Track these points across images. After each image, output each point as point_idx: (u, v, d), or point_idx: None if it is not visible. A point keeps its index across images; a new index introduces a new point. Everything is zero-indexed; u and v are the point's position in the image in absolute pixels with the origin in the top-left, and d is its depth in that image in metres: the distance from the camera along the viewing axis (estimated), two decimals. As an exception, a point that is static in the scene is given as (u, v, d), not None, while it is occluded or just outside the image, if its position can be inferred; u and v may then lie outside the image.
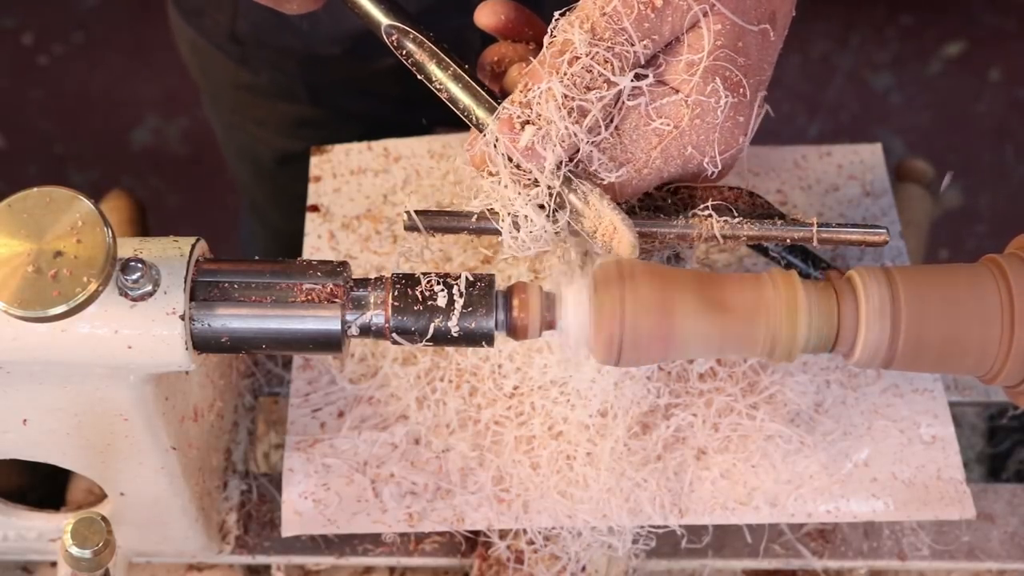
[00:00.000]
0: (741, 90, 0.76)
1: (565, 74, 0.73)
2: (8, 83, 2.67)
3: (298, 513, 0.90)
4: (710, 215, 0.79)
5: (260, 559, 0.95)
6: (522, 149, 0.74)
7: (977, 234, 2.52)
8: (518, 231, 0.77)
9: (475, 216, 0.80)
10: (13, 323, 0.68)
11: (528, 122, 0.74)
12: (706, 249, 0.98)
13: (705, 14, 0.74)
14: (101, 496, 0.90)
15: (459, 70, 0.80)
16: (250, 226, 1.67)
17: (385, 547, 0.93)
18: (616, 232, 0.75)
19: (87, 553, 0.74)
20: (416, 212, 0.80)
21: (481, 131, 0.78)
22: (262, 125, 1.38)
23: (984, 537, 0.95)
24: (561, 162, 0.75)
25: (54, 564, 0.97)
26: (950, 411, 0.93)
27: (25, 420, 0.78)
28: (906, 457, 0.91)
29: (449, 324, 0.72)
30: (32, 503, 0.93)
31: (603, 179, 0.76)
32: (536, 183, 0.76)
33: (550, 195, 0.76)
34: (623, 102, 0.75)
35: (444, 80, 0.80)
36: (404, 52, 0.81)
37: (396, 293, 0.73)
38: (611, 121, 0.75)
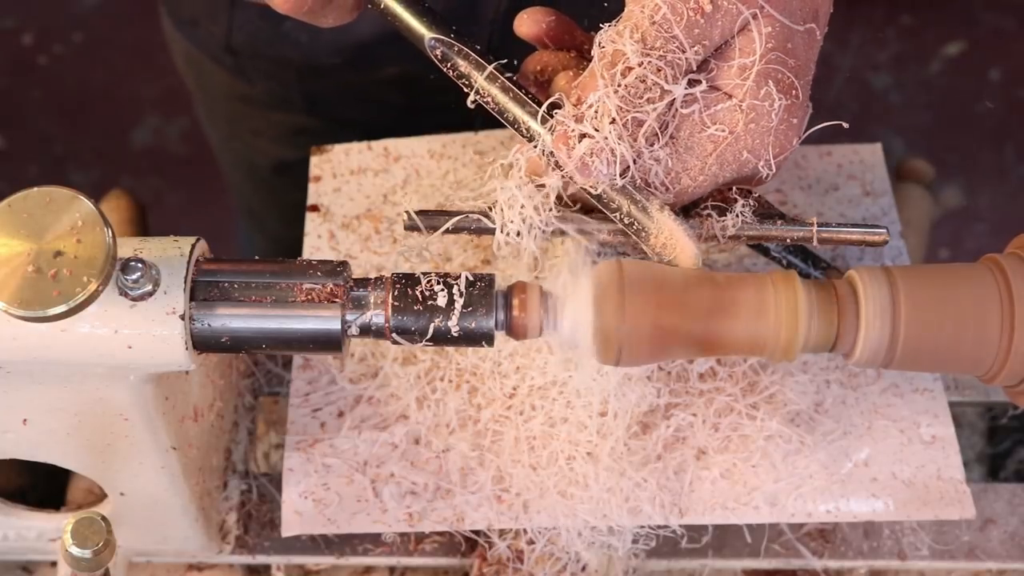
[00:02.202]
0: (794, 92, 0.75)
1: (619, 86, 0.73)
2: (8, 83, 2.67)
3: (298, 513, 0.90)
4: (710, 215, 0.79)
5: (260, 559, 0.95)
6: (578, 163, 0.73)
7: (977, 234, 2.52)
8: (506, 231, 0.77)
9: (475, 216, 0.80)
10: (13, 323, 0.68)
11: (584, 136, 0.73)
12: (706, 249, 0.98)
13: (755, 17, 0.74)
14: (101, 496, 0.90)
15: (507, 82, 0.78)
16: (246, 232, 1.66)
17: (385, 547, 0.93)
18: (677, 243, 0.74)
19: (87, 553, 0.74)
20: (416, 212, 0.80)
21: (532, 143, 0.77)
22: (258, 135, 1.37)
23: (984, 537, 0.95)
24: (622, 174, 0.74)
25: (54, 564, 0.97)
26: (950, 411, 0.93)
27: (25, 420, 0.78)
28: (906, 457, 0.91)
29: (449, 324, 0.72)
30: (32, 503, 0.93)
31: (659, 189, 0.76)
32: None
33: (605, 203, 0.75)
34: (676, 110, 0.75)
35: (493, 92, 0.79)
36: (449, 64, 0.80)
37: (396, 293, 0.73)
38: (665, 130, 0.75)
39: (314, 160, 1.05)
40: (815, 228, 0.80)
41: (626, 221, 0.76)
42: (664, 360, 0.80)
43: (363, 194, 1.03)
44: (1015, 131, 2.65)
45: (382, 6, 0.81)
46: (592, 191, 0.76)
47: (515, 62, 0.82)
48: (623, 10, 0.76)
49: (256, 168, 1.44)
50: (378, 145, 1.05)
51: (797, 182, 1.05)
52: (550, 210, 0.79)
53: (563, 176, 0.76)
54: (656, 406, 0.90)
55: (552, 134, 0.75)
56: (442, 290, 0.73)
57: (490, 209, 0.80)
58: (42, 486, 0.97)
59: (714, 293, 0.72)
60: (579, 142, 0.73)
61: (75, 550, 0.74)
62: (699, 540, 0.92)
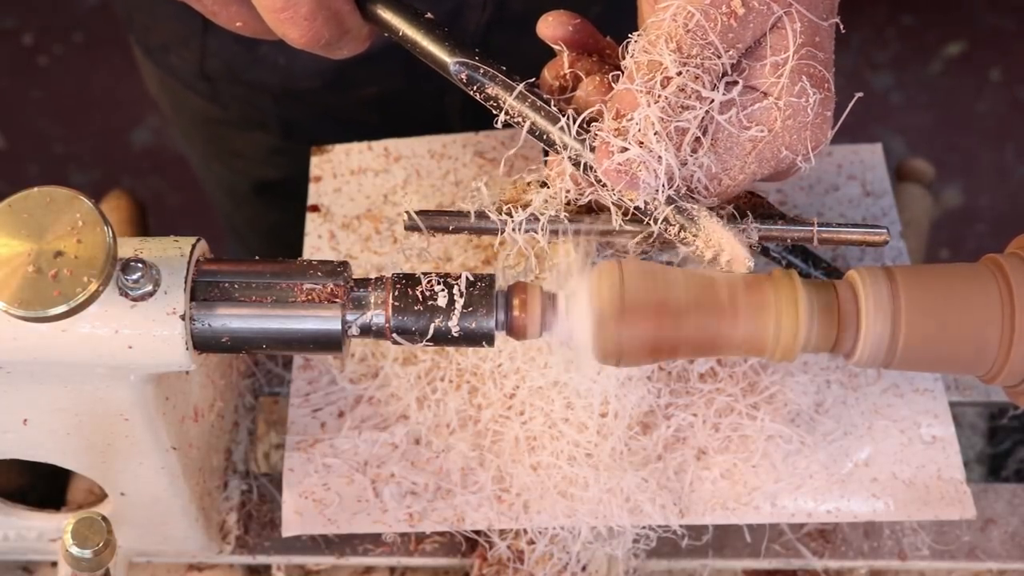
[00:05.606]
0: (826, 85, 0.75)
1: (660, 97, 0.72)
2: (8, 83, 2.67)
3: (298, 513, 0.90)
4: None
5: (260, 559, 0.95)
6: (626, 179, 0.73)
7: (977, 234, 2.52)
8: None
9: (475, 216, 0.80)
10: (13, 323, 0.68)
11: (626, 150, 0.72)
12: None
13: (787, 14, 0.74)
14: (101, 496, 0.90)
15: (537, 100, 0.78)
16: (233, 249, 1.65)
17: (385, 547, 0.93)
18: (728, 249, 0.74)
19: (87, 553, 0.74)
20: (416, 212, 0.80)
21: (571, 158, 0.76)
22: (237, 155, 1.36)
23: (984, 537, 0.95)
24: (668, 184, 0.74)
25: (54, 564, 0.97)
26: (950, 411, 0.93)
27: (25, 420, 0.78)
28: (906, 457, 0.91)
29: (449, 324, 0.72)
30: (32, 503, 0.93)
31: (702, 193, 0.75)
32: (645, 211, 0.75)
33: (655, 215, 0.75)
34: (714, 114, 0.74)
35: (524, 111, 0.77)
36: (476, 87, 0.79)
37: (396, 293, 0.73)
38: (706, 134, 0.74)
39: (314, 160, 1.05)
40: (815, 228, 0.79)
41: (673, 231, 0.75)
42: (664, 360, 0.80)
43: (363, 194, 1.03)
44: (1015, 131, 2.65)
45: (400, 34, 0.80)
46: (635, 203, 0.75)
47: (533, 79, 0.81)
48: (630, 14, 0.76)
49: (236, 188, 1.42)
50: (378, 145, 1.05)
51: (797, 182, 1.05)
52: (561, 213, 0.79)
53: (605, 189, 0.75)
54: (656, 406, 0.90)
55: (593, 151, 0.74)
56: (442, 290, 0.73)
57: (500, 211, 0.80)
58: (42, 486, 0.97)
59: (714, 293, 0.72)
60: (623, 156, 0.72)
61: (75, 550, 0.74)
62: (699, 540, 0.92)
